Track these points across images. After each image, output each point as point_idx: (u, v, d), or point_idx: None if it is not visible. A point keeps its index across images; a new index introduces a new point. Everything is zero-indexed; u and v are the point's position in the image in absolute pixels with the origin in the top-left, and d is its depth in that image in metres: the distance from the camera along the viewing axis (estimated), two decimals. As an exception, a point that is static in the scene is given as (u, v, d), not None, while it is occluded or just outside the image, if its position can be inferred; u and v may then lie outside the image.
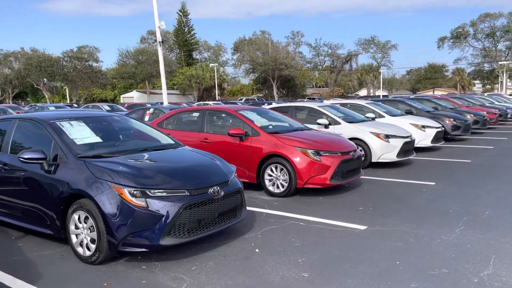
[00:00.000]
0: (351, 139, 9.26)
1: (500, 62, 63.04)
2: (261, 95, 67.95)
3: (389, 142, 9.46)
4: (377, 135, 9.49)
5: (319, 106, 10.66)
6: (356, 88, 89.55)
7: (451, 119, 14.29)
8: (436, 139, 12.11)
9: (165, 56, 60.56)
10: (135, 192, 4.09)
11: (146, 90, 58.33)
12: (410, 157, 10.12)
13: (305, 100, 49.04)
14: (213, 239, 4.91)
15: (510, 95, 61.38)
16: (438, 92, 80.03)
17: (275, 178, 7.07)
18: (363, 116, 11.04)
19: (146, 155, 4.93)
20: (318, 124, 9.69)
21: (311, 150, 6.87)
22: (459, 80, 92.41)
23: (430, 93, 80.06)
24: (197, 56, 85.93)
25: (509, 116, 24.21)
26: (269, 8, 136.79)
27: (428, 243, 4.72)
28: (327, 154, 6.94)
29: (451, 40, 70.73)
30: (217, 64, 65.49)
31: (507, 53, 68.58)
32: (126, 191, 4.09)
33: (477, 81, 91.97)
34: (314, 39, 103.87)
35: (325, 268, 4.09)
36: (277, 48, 68.55)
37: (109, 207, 4.07)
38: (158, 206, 4.10)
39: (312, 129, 8.39)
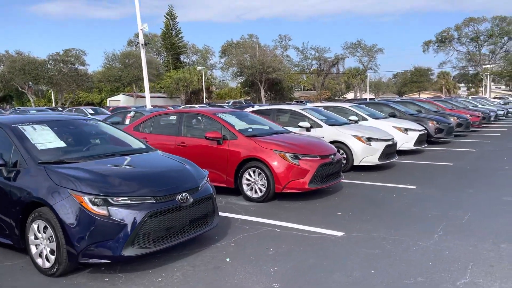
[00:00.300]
0: (332, 142, 9.22)
1: (484, 66, 63.92)
2: (249, 98, 67.86)
3: (370, 145, 9.36)
4: (359, 138, 9.40)
5: (301, 109, 10.53)
6: (343, 91, 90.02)
7: (434, 122, 14.29)
8: (419, 142, 12.07)
9: (152, 59, 60.46)
10: (96, 200, 3.87)
11: (133, 93, 57.76)
12: (393, 160, 10.04)
13: (293, 102, 49.06)
14: (184, 248, 4.70)
15: (494, 98, 62.46)
16: (424, 95, 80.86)
17: (253, 183, 6.88)
18: (345, 119, 10.98)
19: (112, 160, 4.70)
20: (300, 127, 9.60)
21: (290, 154, 6.71)
22: (445, 83, 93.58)
23: (416, 96, 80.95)
24: (185, 59, 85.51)
25: (492, 119, 24.45)
26: (257, 11, 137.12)
27: (406, 249, 4.58)
28: (306, 157, 6.78)
29: (436, 44, 71.55)
30: (204, 67, 65.23)
31: (490, 57, 69.60)
32: (86, 199, 3.86)
33: (462, 85, 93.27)
34: (301, 43, 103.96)
35: (297, 279, 3.91)
36: (265, 51, 68.60)
37: (68, 216, 3.84)
38: (121, 214, 3.89)
39: (292, 132, 8.24)
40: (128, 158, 4.90)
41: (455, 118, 16.83)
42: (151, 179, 4.35)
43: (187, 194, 4.36)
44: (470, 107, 24.02)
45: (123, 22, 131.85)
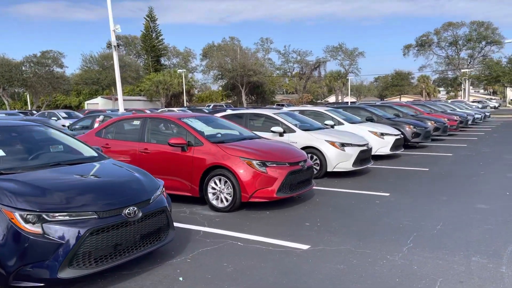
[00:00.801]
0: (305, 147, 9.04)
1: (462, 70, 64.98)
2: (230, 101, 67.51)
3: (344, 150, 9.15)
4: (332, 143, 9.17)
5: (274, 114, 10.23)
6: (326, 94, 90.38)
7: (411, 126, 14.19)
8: (395, 146, 11.92)
9: (131, 62, 59.52)
10: (28, 217, 3.48)
11: (111, 96, 56.73)
12: (368, 166, 9.85)
13: (274, 106, 48.90)
14: (135, 265, 4.33)
15: (473, 102, 63.50)
16: (405, 99, 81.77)
17: (219, 192, 6.54)
18: (320, 124, 10.73)
19: (55, 170, 4.31)
20: (272, 132, 9.34)
21: (257, 161, 6.39)
22: (425, 87, 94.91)
23: (397, 99, 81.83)
24: (166, 62, 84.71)
25: (470, 122, 24.65)
26: (241, 14, 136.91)
27: (372, 264, 4.30)
28: (274, 165, 6.48)
29: (416, 48, 72.49)
30: (185, 70, 64.59)
31: (469, 61, 70.84)
32: (17, 215, 3.47)
33: (442, 88, 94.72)
34: (283, 46, 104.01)
35: (252, 300, 3.59)
36: (246, 54, 68.39)
37: None
38: (57, 232, 3.51)
39: (262, 138, 7.93)
40: (73, 168, 4.50)
41: (432, 122, 16.81)
42: (95, 192, 3.98)
43: (135, 208, 4.02)
44: (448, 111, 24.15)
45: (104, 24, 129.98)
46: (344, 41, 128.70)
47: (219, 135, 7.40)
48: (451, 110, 25.69)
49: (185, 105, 59.38)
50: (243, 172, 6.31)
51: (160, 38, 77.16)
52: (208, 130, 7.43)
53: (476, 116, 27.54)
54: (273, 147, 7.06)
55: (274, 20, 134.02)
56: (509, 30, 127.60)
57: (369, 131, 11.73)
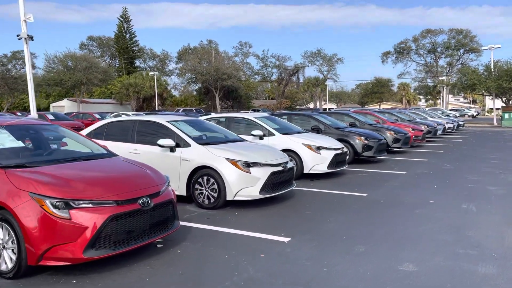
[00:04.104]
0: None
1: (440, 78, 63.89)
2: (204, 106, 65.20)
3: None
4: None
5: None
6: (308, 100, 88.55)
7: (363, 137, 12.14)
8: (336, 163, 9.81)
9: (97, 62, 56.66)
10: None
11: (76, 99, 53.85)
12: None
13: (248, 111, 46.77)
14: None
15: (451, 110, 62.41)
16: (385, 106, 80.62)
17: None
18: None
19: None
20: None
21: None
22: (405, 94, 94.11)
23: (376, 106, 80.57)
24: (142, 64, 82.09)
25: (439, 132, 22.87)
26: (231, 20, 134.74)
27: None
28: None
29: (394, 55, 71.21)
30: (157, 72, 62.07)
31: (448, 69, 69.88)
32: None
33: (422, 96, 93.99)
34: (261, 51, 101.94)
35: None
36: (222, 58, 66.26)
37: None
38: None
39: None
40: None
41: (391, 132, 14.82)
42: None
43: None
44: (417, 120, 22.31)
45: (93, 26, 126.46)
46: (333, 48, 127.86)
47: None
48: (421, 119, 23.89)
49: (157, 108, 56.90)
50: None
51: (134, 39, 74.75)
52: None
53: (448, 125, 25.83)
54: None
55: (264, 27, 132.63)
56: (492, 40, 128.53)
57: (303, 144, 9.62)
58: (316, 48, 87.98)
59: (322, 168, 9.50)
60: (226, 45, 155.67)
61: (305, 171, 9.46)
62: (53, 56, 51.94)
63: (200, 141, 7.15)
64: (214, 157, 6.70)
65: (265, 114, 11.90)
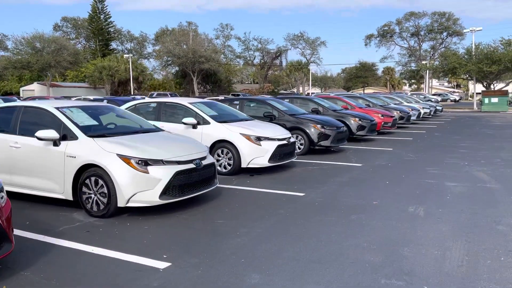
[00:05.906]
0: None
1: (423, 62, 62.96)
2: (182, 90, 63.34)
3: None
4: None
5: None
6: (293, 84, 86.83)
7: (319, 125, 10.94)
8: (279, 155, 8.61)
9: (67, 45, 54.20)
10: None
11: (45, 83, 51.56)
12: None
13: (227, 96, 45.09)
14: None
15: (434, 94, 61.63)
16: (369, 91, 79.61)
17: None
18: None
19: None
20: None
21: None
22: (389, 79, 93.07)
23: (361, 91, 79.48)
24: (119, 47, 79.40)
25: (414, 118, 21.83)
26: (218, 2, 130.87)
27: None
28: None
29: (378, 38, 69.97)
30: (131, 55, 59.80)
31: (431, 53, 68.94)
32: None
33: (406, 81, 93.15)
34: (243, 33, 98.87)
35: None
36: (201, 40, 64.19)
37: (119, 173, 5.18)
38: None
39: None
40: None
41: (356, 119, 13.67)
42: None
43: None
44: (391, 105, 21.20)
45: (76, 8, 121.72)
46: (319, 31, 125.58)
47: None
48: (396, 104, 22.82)
49: (132, 92, 54.90)
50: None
51: (109, 20, 71.98)
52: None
53: (424, 110, 24.81)
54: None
55: (252, 10, 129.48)
56: (480, 24, 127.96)
57: (241, 133, 8.38)
58: (299, 31, 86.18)
59: (263, 161, 8.34)
60: (212, 28, 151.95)
61: (243, 165, 8.28)
62: (20, 38, 49.45)
63: (91, 132, 5.80)
64: (103, 152, 5.39)
65: (203, 100, 10.43)
